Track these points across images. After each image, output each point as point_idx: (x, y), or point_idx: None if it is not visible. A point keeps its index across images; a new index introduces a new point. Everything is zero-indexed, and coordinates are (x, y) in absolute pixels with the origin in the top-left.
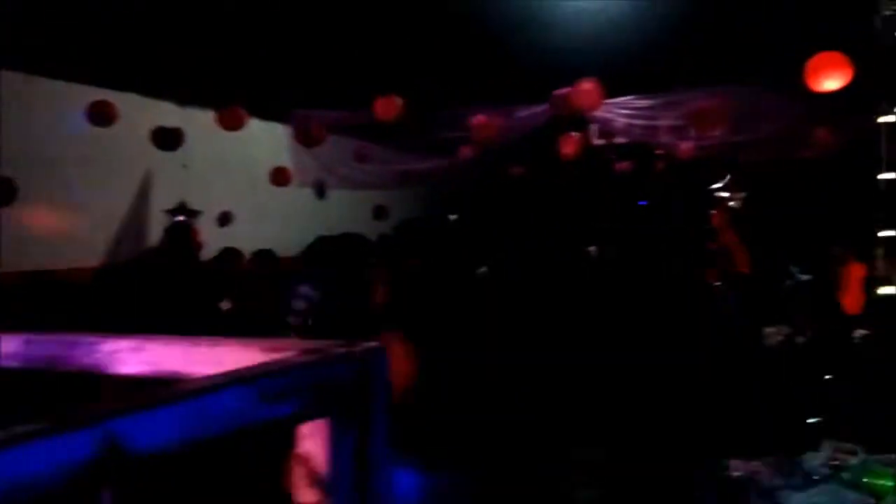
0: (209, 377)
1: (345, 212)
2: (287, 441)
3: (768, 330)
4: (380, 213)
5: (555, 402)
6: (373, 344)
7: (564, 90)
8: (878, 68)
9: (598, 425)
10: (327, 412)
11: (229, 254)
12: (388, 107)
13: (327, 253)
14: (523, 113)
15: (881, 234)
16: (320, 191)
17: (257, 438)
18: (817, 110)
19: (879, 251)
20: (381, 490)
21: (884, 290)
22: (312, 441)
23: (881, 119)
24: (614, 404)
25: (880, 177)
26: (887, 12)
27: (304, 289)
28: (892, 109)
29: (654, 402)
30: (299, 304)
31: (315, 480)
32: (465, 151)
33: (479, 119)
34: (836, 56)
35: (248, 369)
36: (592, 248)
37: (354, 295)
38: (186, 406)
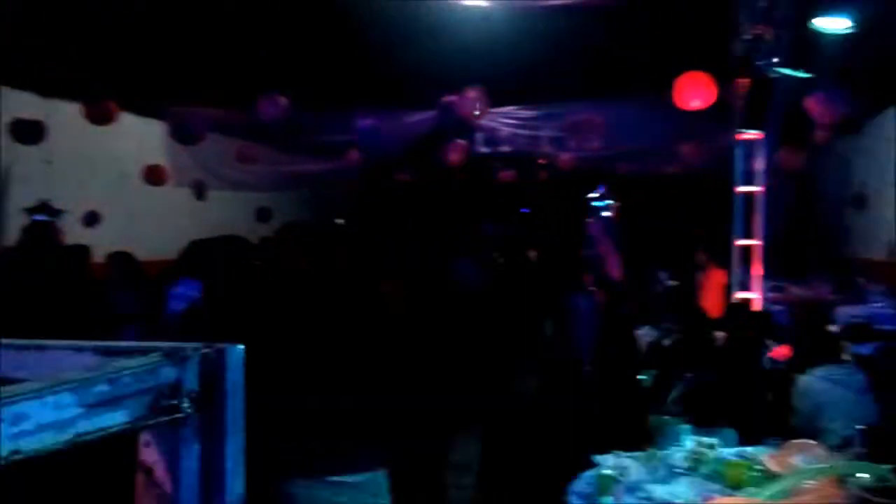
0: (28, 383)
1: (226, 213)
2: (129, 450)
3: (639, 332)
4: (263, 215)
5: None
6: (223, 345)
7: (451, 97)
8: (736, 88)
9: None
10: (169, 419)
11: (73, 252)
12: (271, 106)
13: (206, 256)
14: (411, 118)
15: (738, 242)
16: (199, 191)
17: (94, 449)
18: (684, 127)
19: (735, 259)
20: (229, 500)
21: (740, 295)
22: (155, 450)
23: (739, 136)
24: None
25: (737, 189)
26: (746, 36)
27: (182, 289)
28: (748, 127)
29: (529, 403)
30: (177, 306)
31: (159, 492)
32: (353, 155)
33: (365, 122)
34: (701, 76)
35: (73, 374)
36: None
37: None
38: None
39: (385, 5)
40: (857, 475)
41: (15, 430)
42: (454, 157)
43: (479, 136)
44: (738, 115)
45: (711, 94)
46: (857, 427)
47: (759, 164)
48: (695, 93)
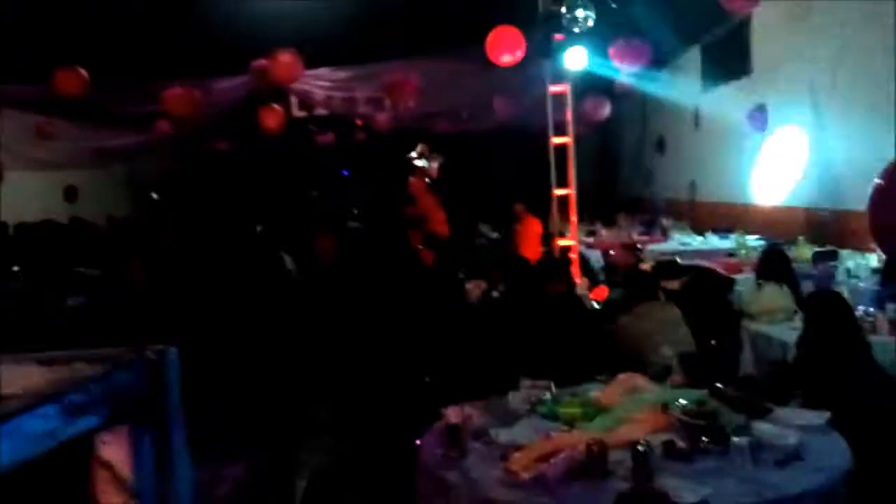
0: (15, 397)
1: (31, 194)
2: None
3: (468, 286)
4: (71, 193)
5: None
6: (161, 347)
7: (263, 62)
8: (544, 43)
9: (326, 387)
10: (126, 418)
11: None
12: (70, 80)
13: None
14: (222, 85)
15: (555, 192)
16: None
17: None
18: (497, 83)
19: (554, 208)
20: (180, 488)
21: (561, 242)
22: (114, 447)
23: (549, 90)
24: (340, 365)
25: (551, 141)
26: None
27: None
28: (556, 80)
29: (377, 361)
30: None
31: (121, 485)
32: (162, 126)
33: (175, 92)
34: (511, 31)
35: (52, 386)
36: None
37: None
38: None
39: None
40: (678, 401)
41: (11, 442)
42: (270, 122)
43: (294, 100)
44: (547, 69)
45: (521, 48)
46: (674, 356)
47: (569, 116)
48: (505, 48)
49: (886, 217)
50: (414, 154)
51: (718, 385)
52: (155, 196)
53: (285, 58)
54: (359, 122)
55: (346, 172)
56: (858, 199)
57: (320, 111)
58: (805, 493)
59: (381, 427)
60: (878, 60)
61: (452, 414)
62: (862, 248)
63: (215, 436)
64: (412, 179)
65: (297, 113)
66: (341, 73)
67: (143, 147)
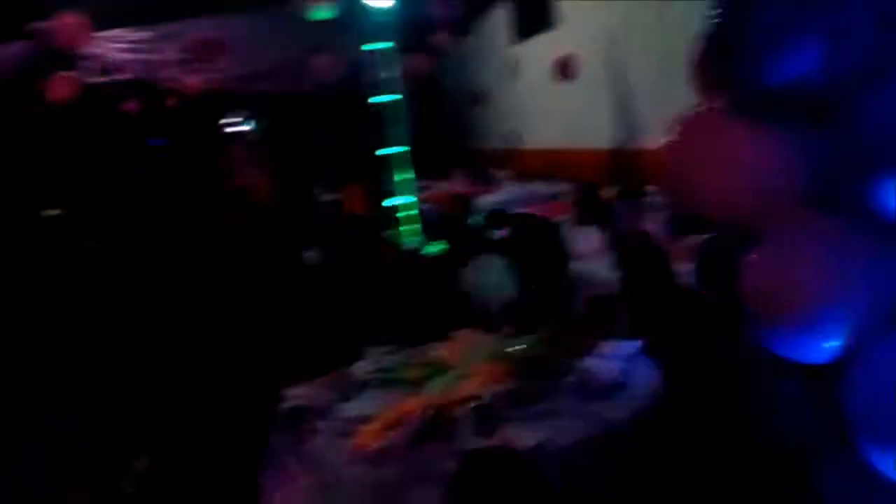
0: None
1: None
2: None
3: (307, 255)
4: None
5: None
6: None
7: (44, 25)
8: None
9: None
10: None
11: None
12: None
13: None
14: None
15: (386, 150)
16: None
17: None
18: (314, 39)
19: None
20: None
21: (396, 200)
22: None
23: (370, 46)
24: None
25: (375, 100)
26: None
27: None
28: (376, 38)
29: (211, 348)
30: None
31: None
32: None
33: None
34: None
35: None
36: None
37: None
38: None
39: None
40: (512, 349)
41: None
42: (60, 92)
43: (88, 64)
44: (364, 27)
45: (335, 4)
46: (507, 305)
47: (391, 73)
48: (318, 3)
49: (676, 177)
50: (234, 120)
51: (547, 328)
52: None
53: (69, 19)
54: (166, 85)
55: (158, 141)
56: (656, 141)
57: (120, 76)
58: (628, 419)
59: (219, 413)
60: (669, 11)
61: (294, 394)
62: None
63: None
64: (232, 148)
65: (94, 79)
66: (141, 34)
67: None
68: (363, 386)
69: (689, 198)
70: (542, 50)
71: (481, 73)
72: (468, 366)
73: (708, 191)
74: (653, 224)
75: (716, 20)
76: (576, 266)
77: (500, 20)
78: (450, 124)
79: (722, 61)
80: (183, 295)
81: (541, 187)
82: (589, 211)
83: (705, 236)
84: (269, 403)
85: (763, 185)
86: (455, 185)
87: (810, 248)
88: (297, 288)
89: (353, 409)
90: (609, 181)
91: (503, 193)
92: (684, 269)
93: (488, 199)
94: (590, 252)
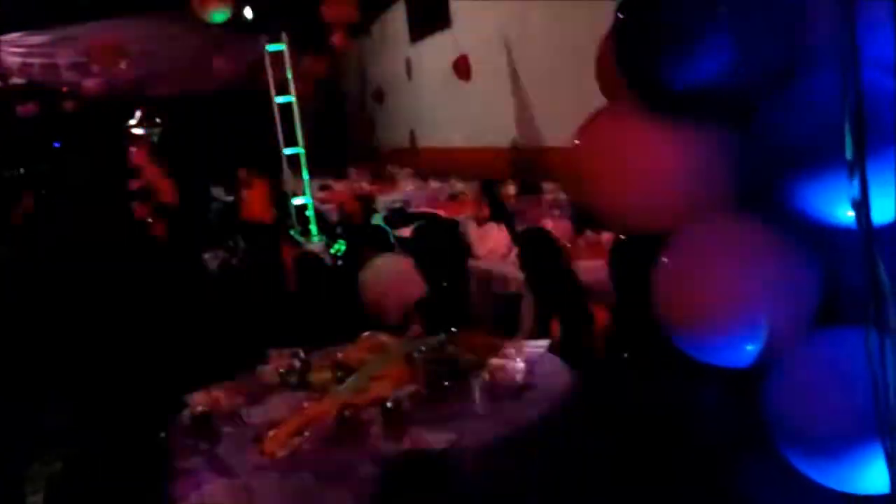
0: None
1: None
2: None
3: (206, 255)
4: None
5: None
6: None
7: None
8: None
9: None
10: None
11: None
12: None
13: None
14: None
15: (285, 151)
16: None
17: None
18: (212, 41)
19: (284, 167)
20: None
21: (296, 201)
22: None
23: (267, 48)
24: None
25: (275, 100)
26: None
27: None
28: (272, 40)
29: (110, 349)
30: None
31: None
32: None
33: None
34: None
35: None
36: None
37: None
38: None
39: None
40: (418, 350)
41: None
42: None
43: None
44: (262, 28)
45: (229, 5)
46: (412, 305)
47: (289, 74)
48: (215, 6)
49: (581, 179)
50: (133, 122)
51: (453, 328)
52: None
53: None
54: (64, 89)
55: (56, 144)
56: (554, 138)
57: (17, 80)
58: (537, 418)
59: (121, 423)
60: (556, 9)
61: (198, 400)
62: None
63: None
64: (133, 150)
65: None
66: (38, 38)
67: None
68: (270, 390)
69: (595, 200)
70: (435, 50)
71: (380, 74)
72: (376, 368)
73: (614, 193)
74: (553, 220)
75: (622, 19)
76: (478, 264)
77: (396, 21)
78: (349, 124)
79: (628, 61)
80: (84, 297)
81: (440, 186)
82: (489, 209)
83: (617, 237)
84: (172, 408)
85: (673, 186)
86: (355, 184)
87: (725, 250)
88: (200, 289)
89: (259, 414)
90: (508, 178)
91: (403, 193)
92: (586, 265)
93: (388, 199)
94: (492, 250)
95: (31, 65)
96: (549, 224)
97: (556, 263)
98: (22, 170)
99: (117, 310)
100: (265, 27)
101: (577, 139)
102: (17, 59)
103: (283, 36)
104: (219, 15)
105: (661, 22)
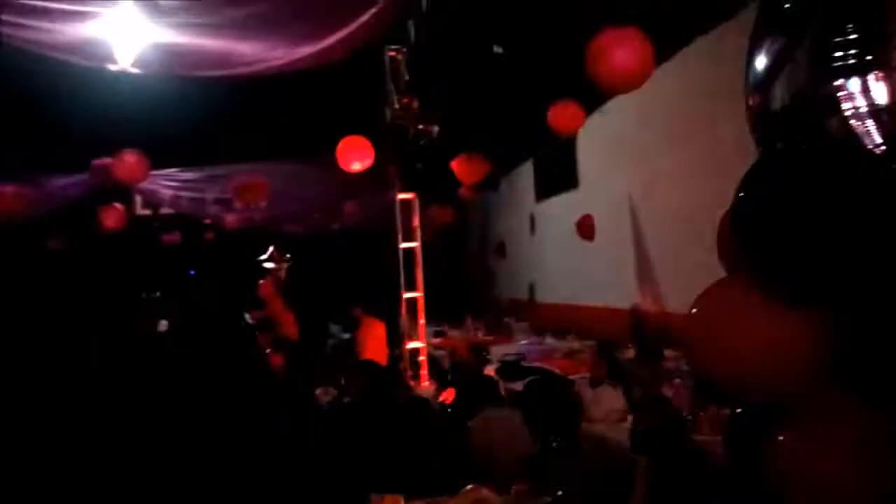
0: None
1: None
2: None
3: (318, 391)
4: None
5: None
6: None
7: (106, 161)
8: (391, 153)
9: None
10: None
11: None
12: None
13: None
14: (59, 183)
15: (405, 295)
16: None
17: None
18: (347, 187)
19: (403, 310)
20: None
21: (410, 345)
22: None
23: (397, 196)
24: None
25: (400, 246)
26: (396, 106)
27: None
28: (403, 188)
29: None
30: None
31: None
32: None
33: (4, 189)
34: (360, 140)
35: None
36: (163, 323)
37: None
38: None
39: (24, 64)
40: None
41: None
42: (110, 221)
43: (138, 198)
44: (394, 177)
45: (369, 156)
46: (519, 462)
47: (416, 222)
48: (354, 156)
49: (697, 347)
50: (264, 257)
51: (560, 492)
52: None
53: (130, 157)
54: (207, 221)
55: (192, 272)
56: (678, 303)
57: (166, 210)
58: None
59: None
60: (681, 180)
61: None
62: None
63: None
64: (262, 282)
65: (141, 211)
66: (190, 174)
67: None
68: None
69: (710, 369)
70: (560, 208)
71: (503, 227)
72: None
73: (728, 363)
74: (673, 389)
75: (743, 203)
76: (591, 427)
77: (524, 178)
78: (469, 273)
79: (744, 242)
80: (195, 421)
81: (556, 342)
82: (606, 370)
83: (735, 411)
84: None
85: (784, 362)
86: (470, 333)
87: (837, 435)
88: (310, 424)
89: None
90: (627, 342)
91: (518, 345)
92: (708, 440)
93: (502, 350)
94: (607, 413)
95: (180, 198)
96: (668, 392)
97: (674, 436)
98: (159, 293)
99: (227, 435)
100: (398, 177)
101: (694, 307)
102: (169, 192)
103: (414, 186)
104: (357, 163)
105: (780, 215)
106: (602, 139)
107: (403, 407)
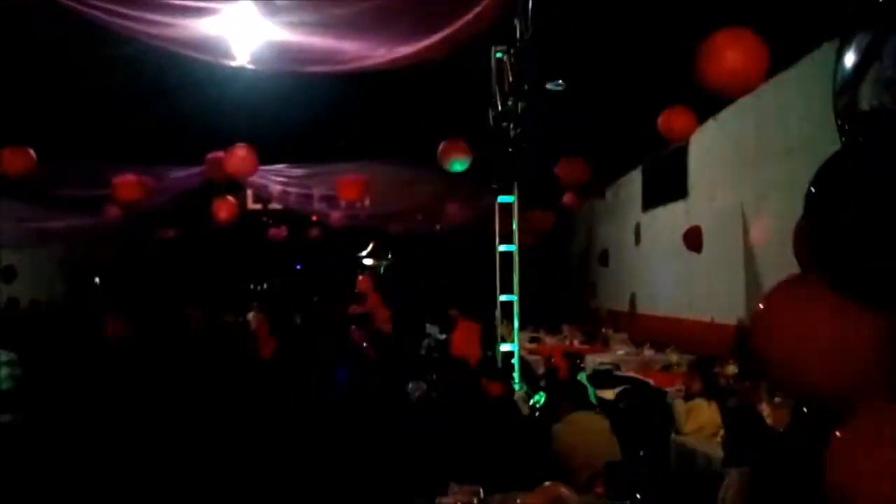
0: None
1: None
2: None
3: (410, 386)
4: (8, 274)
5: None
6: None
7: (218, 154)
8: (492, 156)
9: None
10: None
11: None
12: (17, 159)
13: None
14: (175, 174)
15: (500, 298)
16: None
17: None
18: (449, 189)
19: (498, 313)
20: None
21: (503, 347)
22: None
23: (498, 199)
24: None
25: (497, 248)
26: (500, 108)
27: None
28: (504, 191)
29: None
30: None
31: None
32: (112, 211)
33: (125, 178)
34: (460, 143)
35: None
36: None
37: None
38: None
39: (147, 60)
40: None
41: None
42: (223, 213)
43: (250, 193)
44: (495, 179)
45: (469, 158)
46: (601, 466)
47: (515, 225)
48: (456, 157)
49: (763, 345)
50: (364, 253)
51: (639, 497)
52: (97, 281)
53: (240, 151)
54: (314, 217)
55: (298, 266)
56: None
57: (275, 205)
58: None
59: None
60: (798, 192)
61: None
62: None
63: None
64: (361, 277)
65: (252, 206)
66: (298, 170)
67: (90, 231)
68: None
69: (774, 364)
70: (668, 218)
71: (607, 235)
72: None
73: (792, 359)
74: (771, 408)
75: (817, 196)
76: (683, 440)
77: (631, 187)
78: (569, 281)
79: (815, 248)
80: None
81: (654, 355)
82: (702, 385)
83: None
84: None
85: (847, 363)
86: (566, 341)
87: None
88: (398, 417)
89: None
90: (729, 357)
91: (614, 355)
92: None
93: (598, 359)
94: (700, 428)
95: (289, 193)
96: (765, 410)
97: (768, 452)
98: (264, 285)
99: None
100: (499, 179)
101: (763, 303)
102: (278, 188)
103: (515, 189)
104: (458, 165)
105: (856, 211)
106: (715, 148)
107: (488, 404)
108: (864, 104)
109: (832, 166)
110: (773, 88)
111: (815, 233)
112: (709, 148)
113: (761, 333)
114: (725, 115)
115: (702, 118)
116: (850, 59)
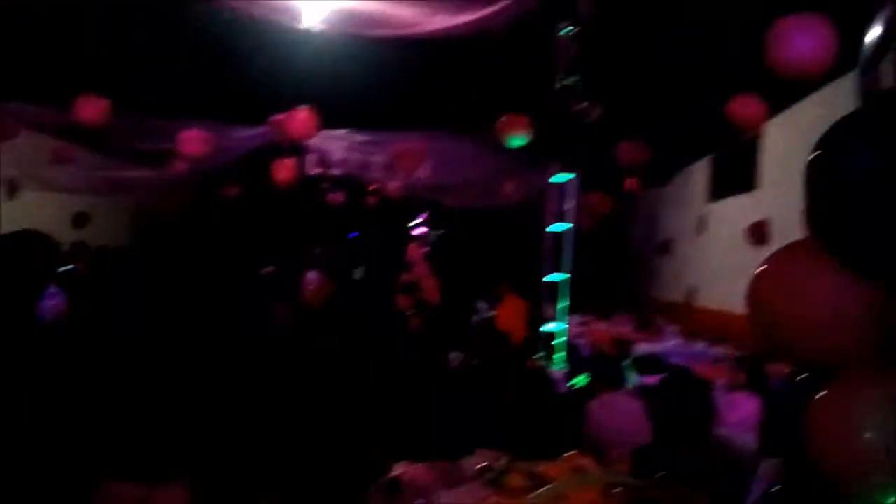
0: None
1: (40, 215)
2: None
3: (452, 355)
4: (80, 220)
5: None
6: None
7: (281, 116)
8: (552, 133)
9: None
10: None
11: None
12: (91, 108)
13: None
14: (240, 133)
15: (546, 279)
16: (11, 190)
17: None
18: (507, 164)
19: (546, 293)
20: None
21: (547, 327)
22: None
23: (551, 179)
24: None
25: (548, 229)
26: (560, 85)
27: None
28: (560, 171)
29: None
30: None
31: None
32: (179, 165)
33: (191, 133)
34: (521, 118)
35: None
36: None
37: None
38: None
39: (216, 19)
40: (621, 484)
41: None
42: (283, 175)
43: (310, 156)
44: (553, 157)
45: (529, 135)
46: (630, 447)
47: (570, 205)
48: (514, 133)
49: (760, 305)
50: (415, 222)
51: (665, 475)
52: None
53: (301, 114)
54: (372, 186)
55: (353, 234)
56: None
57: (335, 171)
58: None
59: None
60: None
61: (400, 468)
62: None
63: None
64: (410, 246)
65: (313, 170)
66: (359, 136)
67: (157, 183)
68: (466, 479)
69: (769, 325)
70: (734, 210)
71: (669, 224)
72: (569, 487)
73: (786, 319)
74: None
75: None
76: (722, 431)
77: (698, 175)
78: (627, 268)
79: (816, 203)
80: (337, 359)
81: (706, 348)
82: (747, 378)
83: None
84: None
85: (842, 329)
86: (616, 328)
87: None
88: (436, 377)
89: (448, 497)
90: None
91: (663, 346)
92: None
93: (647, 348)
94: (741, 420)
95: (348, 160)
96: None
97: (797, 446)
98: (318, 250)
99: (363, 372)
100: (560, 158)
101: (763, 265)
102: (340, 153)
103: (574, 169)
104: (517, 140)
105: (860, 176)
106: (789, 138)
107: (524, 375)
108: (888, 80)
109: (837, 131)
110: (852, 80)
111: (813, 198)
112: (783, 139)
113: (757, 295)
114: (801, 106)
115: (776, 107)
116: (873, 33)
